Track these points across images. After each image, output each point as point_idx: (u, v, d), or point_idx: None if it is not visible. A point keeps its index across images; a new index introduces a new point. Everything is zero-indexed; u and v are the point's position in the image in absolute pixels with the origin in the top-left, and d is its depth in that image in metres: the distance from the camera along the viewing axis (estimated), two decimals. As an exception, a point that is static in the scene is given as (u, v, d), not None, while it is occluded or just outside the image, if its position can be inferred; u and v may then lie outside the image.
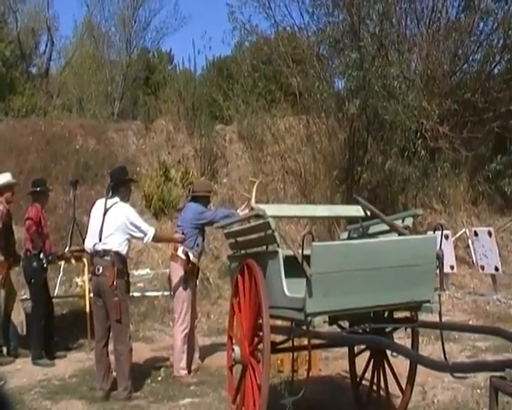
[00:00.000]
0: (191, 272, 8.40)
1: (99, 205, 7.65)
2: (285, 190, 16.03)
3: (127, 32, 24.12)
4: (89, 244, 7.54)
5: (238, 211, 8.48)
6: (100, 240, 7.35)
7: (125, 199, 7.67)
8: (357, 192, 12.99)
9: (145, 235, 7.55)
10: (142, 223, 7.64)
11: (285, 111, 17.70)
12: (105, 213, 7.44)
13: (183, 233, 8.29)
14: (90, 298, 9.49)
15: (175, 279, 8.30)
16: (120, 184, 7.70)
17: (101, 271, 7.26)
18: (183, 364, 8.21)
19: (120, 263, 7.34)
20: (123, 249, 7.40)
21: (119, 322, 7.28)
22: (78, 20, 26.88)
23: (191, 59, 26.40)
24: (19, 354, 9.52)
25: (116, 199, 7.55)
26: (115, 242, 7.33)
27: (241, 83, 18.16)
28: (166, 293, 10.79)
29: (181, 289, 8.24)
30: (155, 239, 8.02)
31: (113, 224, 7.37)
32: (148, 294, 12.02)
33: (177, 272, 8.27)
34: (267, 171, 16.37)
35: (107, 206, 7.50)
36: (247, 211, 8.00)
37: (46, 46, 25.71)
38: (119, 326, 7.31)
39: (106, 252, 7.30)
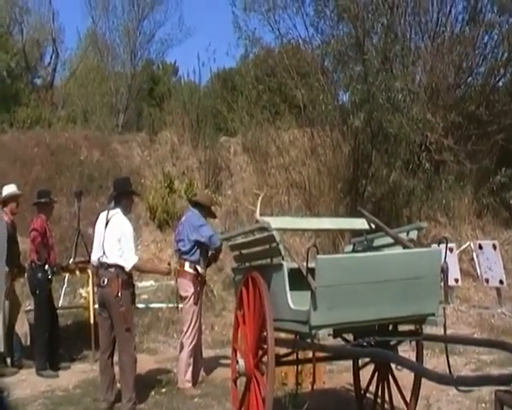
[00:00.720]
0: (201, 285, 8.42)
1: (102, 217, 7.65)
2: (289, 203, 16.02)
3: (132, 44, 24.21)
4: (94, 257, 7.55)
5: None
6: (104, 252, 7.37)
7: (126, 210, 7.66)
8: (362, 205, 12.99)
9: (126, 261, 7.34)
10: (132, 247, 7.47)
11: (289, 123, 17.73)
12: (106, 225, 7.46)
13: (181, 250, 8.33)
14: (94, 309, 9.50)
15: (185, 294, 8.28)
16: (123, 196, 7.69)
17: (106, 282, 7.25)
18: (189, 376, 8.20)
19: (125, 274, 7.32)
20: (124, 261, 7.37)
21: (128, 331, 7.28)
22: (83, 32, 27.00)
23: (196, 71, 26.32)
24: (23, 365, 9.52)
25: (117, 210, 7.54)
26: (116, 253, 7.32)
27: (245, 95, 18.23)
28: (171, 305, 10.80)
29: (192, 303, 8.23)
30: (136, 269, 7.71)
31: (112, 235, 7.36)
32: (152, 305, 12.03)
33: (187, 287, 8.26)
34: (271, 183, 16.37)
35: (108, 217, 7.52)
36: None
37: (51, 58, 25.86)
38: (124, 337, 7.29)
39: (110, 264, 7.30)
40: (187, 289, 8.24)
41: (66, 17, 46.07)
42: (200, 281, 8.33)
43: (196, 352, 8.40)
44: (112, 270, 7.27)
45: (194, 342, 8.25)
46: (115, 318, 7.26)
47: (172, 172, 16.07)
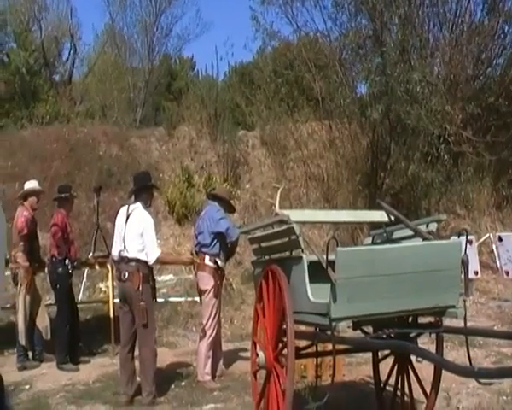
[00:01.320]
0: (221, 278, 8.43)
1: (122, 212, 7.68)
2: (308, 196, 16.01)
3: (149, 39, 24.27)
4: (115, 251, 7.58)
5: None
6: (124, 247, 7.39)
7: (146, 204, 7.68)
8: (380, 197, 12.98)
9: (149, 254, 7.38)
10: (154, 239, 7.50)
11: (307, 116, 17.70)
12: (127, 219, 7.49)
13: (201, 243, 8.33)
14: (114, 303, 9.55)
15: (205, 288, 8.26)
16: (143, 189, 7.70)
17: (126, 276, 7.29)
18: (208, 369, 8.21)
19: (146, 268, 7.35)
20: (145, 255, 7.39)
21: (146, 327, 7.29)
22: (101, 28, 27.09)
23: (213, 65, 26.40)
24: (44, 359, 9.59)
25: (138, 204, 7.57)
26: (137, 248, 7.35)
27: (263, 88, 18.24)
28: (189, 298, 10.81)
29: (212, 296, 8.22)
30: (158, 262, 7.84)
31: (133, 229, 7.40)
32: (171, 299, 12.06)
33: (207, 280, 8.24)
34: (290, 176, 16.37)
35: (129, 211, 7.55)
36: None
37: (69, 54, 25.96)
38: (144, 331, 7.32)
39: (131, 258, 7.33)
40: (207, 282, 8.23)
41: (84, 13, 46.37)
42: (220, 274, 8.35)
43: (215, 345, 8.40)
44: (132, 264, 7.30)
45: (213, 335, 8.25)
46: (136, 312, 7.29)
47: (191, 166, 16.10)
